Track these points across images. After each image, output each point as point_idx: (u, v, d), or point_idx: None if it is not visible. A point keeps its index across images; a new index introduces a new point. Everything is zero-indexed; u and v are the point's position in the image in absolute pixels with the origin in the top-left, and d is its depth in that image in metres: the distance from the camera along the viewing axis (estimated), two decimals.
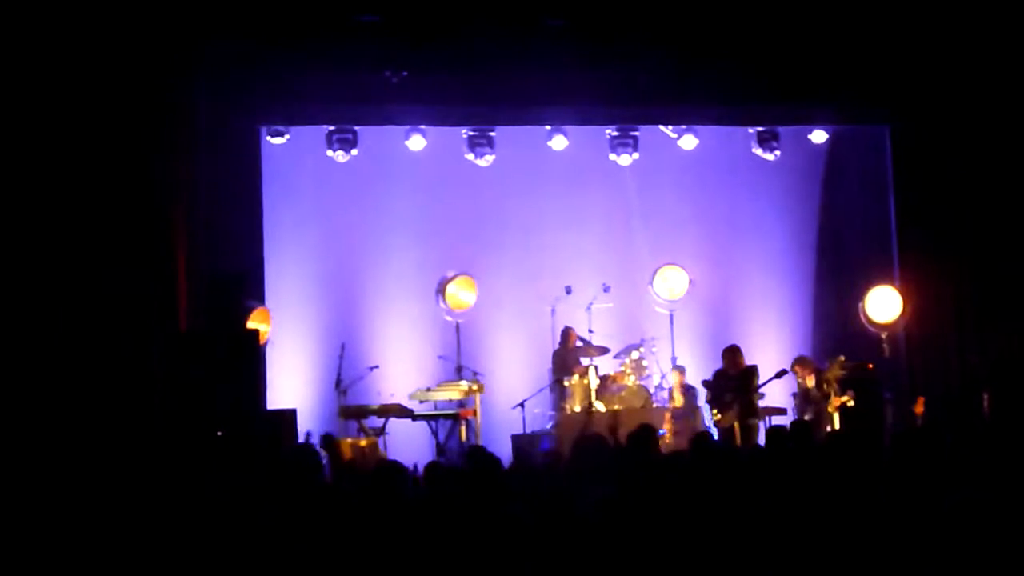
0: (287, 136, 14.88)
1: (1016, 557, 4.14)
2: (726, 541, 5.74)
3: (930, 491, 5.80)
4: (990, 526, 4.03)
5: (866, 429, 13.66)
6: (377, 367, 14.82)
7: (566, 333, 15.26)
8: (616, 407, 14.58)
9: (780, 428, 9.55)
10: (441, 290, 15.35)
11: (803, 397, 14.51)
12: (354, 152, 14.94)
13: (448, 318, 15.39)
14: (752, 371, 13.89)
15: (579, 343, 15.19)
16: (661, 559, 5.44)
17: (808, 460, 7.58)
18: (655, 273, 16.09)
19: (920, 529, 5.04)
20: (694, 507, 6.18)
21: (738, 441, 13.26)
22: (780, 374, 13.77)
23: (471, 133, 15.16)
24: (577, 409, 14.34)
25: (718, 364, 14.32)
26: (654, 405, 14.87)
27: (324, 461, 10.41)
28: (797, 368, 14.64)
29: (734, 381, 13.77)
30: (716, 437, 12.80)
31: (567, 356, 15.08)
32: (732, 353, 14.01)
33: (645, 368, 15.21)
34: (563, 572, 5.31)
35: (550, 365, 15.29)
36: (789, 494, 6.51)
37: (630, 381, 14.96)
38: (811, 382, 14.41)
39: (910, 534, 5.23)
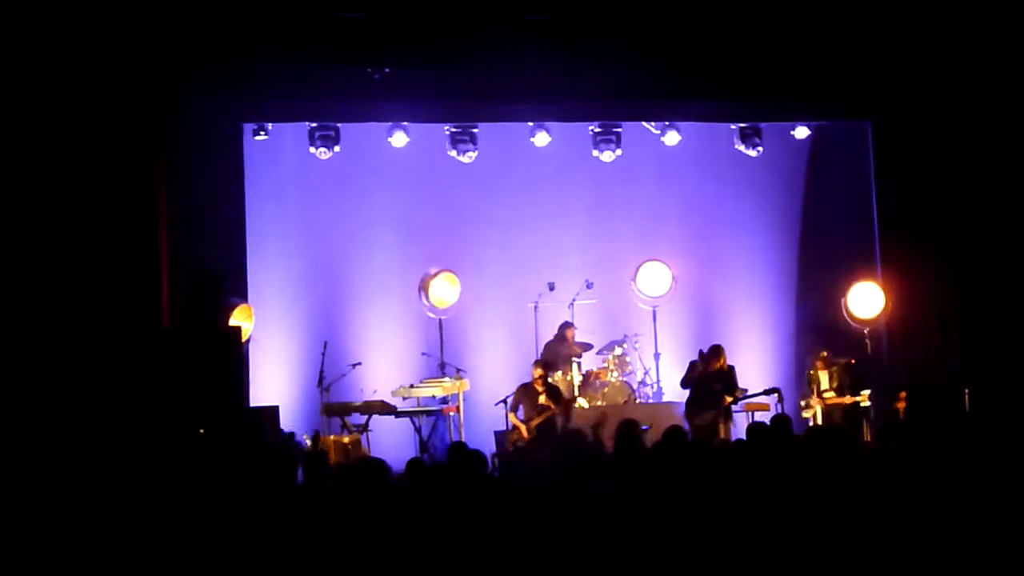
0: (269, 133, 14.84)
1: (996, 550, 4.14)
2: (711, 535, 5.75)
3: (911, 485, 5.81)
4: (970, 520, 4.03)
5: (847, 423, 13.77)
6: (360, 364, 14.83)
7: (566, 327, 15.29)
8: (599, 403, 14.63)
9: (760, 424, 9.53)
10: (424, 287, 15.34)
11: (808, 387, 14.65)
12: (336, 149, 14.89)
13: (431, 315, 15.39)
14: (732, 372, 13.91)
15: (574, 339, 15.25)
16: (649, 554, 5.45)
17: (787, 454, 7.59)
18: (638, 269, 16.11)
19: (900, 523, 5.05)
20: (681, 503, 6.19)
21: (721, 436, 13.29)
22: (770, 391, 13.78)
23: (454, 130, 15.13)
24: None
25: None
26: (637, 401, 14.92)
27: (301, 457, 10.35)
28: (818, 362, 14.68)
29: (716, 381, 13.77)
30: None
31: (560, 350, 15.10)
32: (718, 353, 13.97)
33: (628, 364, 15.26)
34: (550, 566, 5.31)
35: (537, 358, 15.31)
36: (773, 488, 6.52)
37: (613, 377, 15.01)
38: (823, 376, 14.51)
39: (890, 528, 5.25)
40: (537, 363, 14.08)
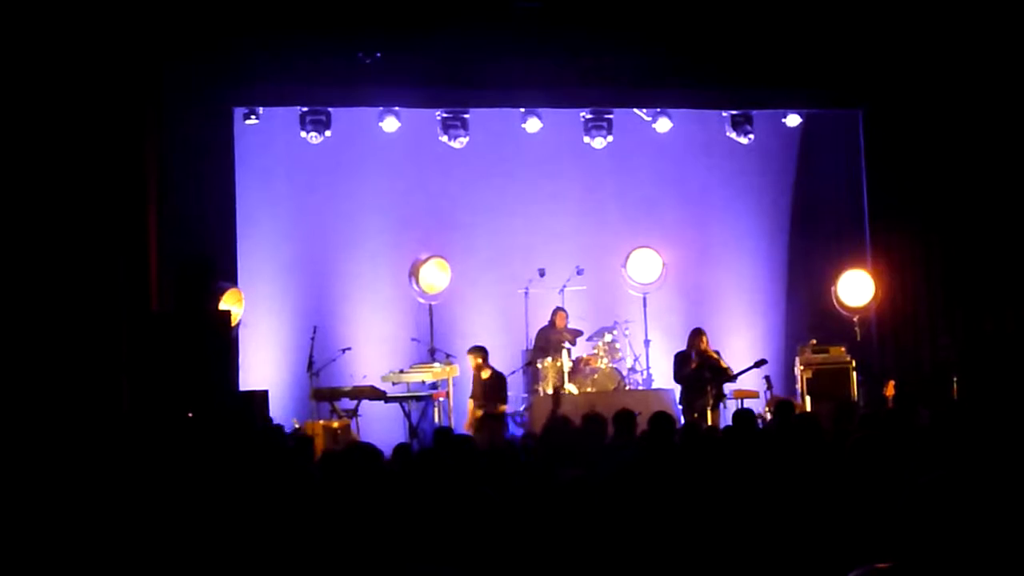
0: (260, 117, 14.79)
1: (985, 537, 4.16)
2: (699, 521, 5.76)
3: (898, 472, 5.83)
4: (959, 506, 4.04)
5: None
6: (349, 349, 14.84)
7: (556, 312, 15.31)
8: (590, 390, 14.65)
9: (748, 411, 9.56)
10: (414, 272, 15.33)
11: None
12: (327, 133, 14.84)
13: (421, 300, 15.38)
14: (718, 357, 13.94)
15: (567, 326, 15.26)
16: (638, 542, 5.45)
17: (780, 439, 7.62)
18: (628, 256, 16.11)
19: (886, 509, 5.06)
20: (672, 489, 6.20)
21: (709, 423, 13.32)
22: (759, 364, 13.83)
23: (445, 115, 15.09)
24: (549, 391, 14.37)
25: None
26: (627, 388, 14.93)
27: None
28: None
29: (706, 370, 13.78)
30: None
31: (551, 336, 15.12)
32: (695, 335, 14.00)
33: (618, 351, 15.27)
34: (535, 551, 5.31)
35: (529, 345, 15.33)
36: (759, 474, 6.53)
37: (603, 364, 15.02)
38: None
39: (876, 513, 5.26)
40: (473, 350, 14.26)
